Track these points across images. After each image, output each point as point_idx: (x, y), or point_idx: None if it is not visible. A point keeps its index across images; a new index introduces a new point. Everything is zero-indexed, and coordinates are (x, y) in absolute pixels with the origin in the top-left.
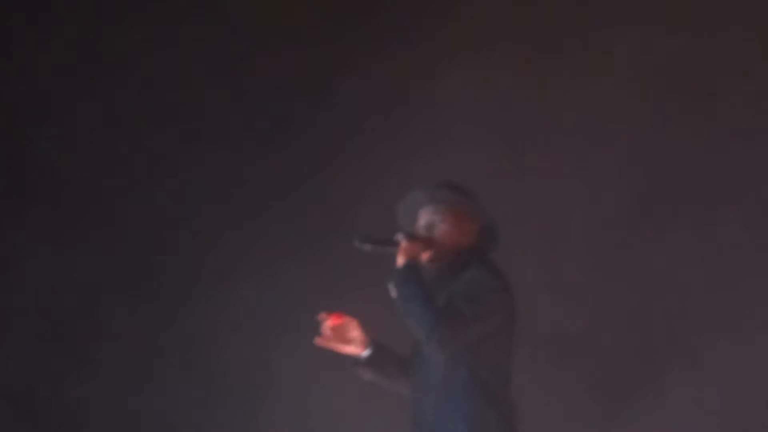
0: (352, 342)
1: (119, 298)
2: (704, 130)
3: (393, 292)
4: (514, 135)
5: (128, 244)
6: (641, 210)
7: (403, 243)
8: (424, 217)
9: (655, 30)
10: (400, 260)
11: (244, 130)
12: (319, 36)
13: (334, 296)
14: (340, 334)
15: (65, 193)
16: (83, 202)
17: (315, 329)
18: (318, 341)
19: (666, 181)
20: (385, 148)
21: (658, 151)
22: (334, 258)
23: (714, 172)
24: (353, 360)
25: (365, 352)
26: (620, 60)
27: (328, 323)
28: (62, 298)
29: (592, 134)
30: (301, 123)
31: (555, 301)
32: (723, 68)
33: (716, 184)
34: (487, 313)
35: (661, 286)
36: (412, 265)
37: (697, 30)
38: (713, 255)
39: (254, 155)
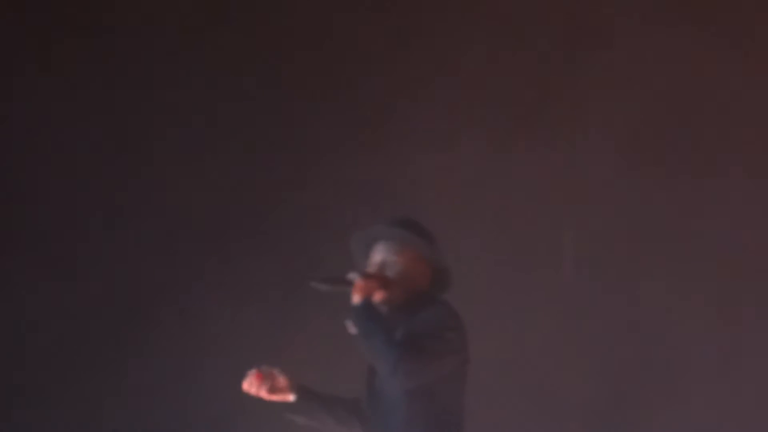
0: (279, 391)
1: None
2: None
3: (351, 329)
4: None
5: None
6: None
7: (358, 281)
8: (379, 255)
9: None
10: (356, 298)
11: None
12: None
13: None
14: (268, 385)
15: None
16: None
17: None
18: (245, 390)
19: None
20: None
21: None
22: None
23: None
24: (284, 406)
25: (291, 398)
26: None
27: (253, 378)
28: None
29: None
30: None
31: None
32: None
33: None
34: (447, 352)
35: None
36: (369, 302)
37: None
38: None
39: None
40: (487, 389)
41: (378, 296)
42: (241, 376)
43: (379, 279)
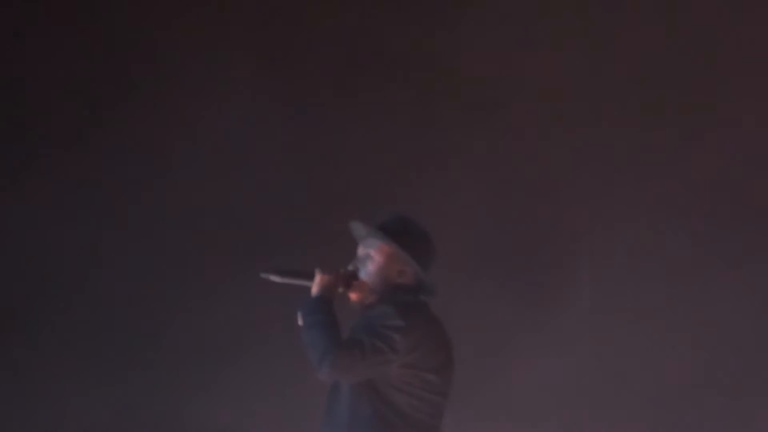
0: None
1: None
2: None
3: (299, 320)
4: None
5: None
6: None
7: (318, 276)
8: (362, 250)
9: None
10: (314, 291)
11: None
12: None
13: None
14: None
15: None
16: None
17: None
18: None
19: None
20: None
21: None
22: None
23: None
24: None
25: None
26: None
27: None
28: None
29: None
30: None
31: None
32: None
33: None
34: (387, 350)
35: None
36: (323, 297)
37: None
38: None
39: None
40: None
41: (353, 296)
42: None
43: (345, 275)
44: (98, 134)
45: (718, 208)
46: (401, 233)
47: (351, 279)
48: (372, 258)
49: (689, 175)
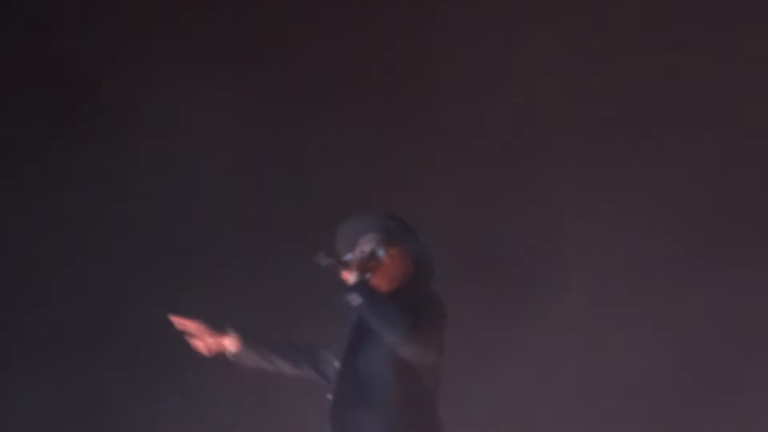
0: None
1: None
2: None
3: (355, 300)
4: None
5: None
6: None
7: (353, 261)
8: (368, 245)
9: None
10: (353, 276)
11: None
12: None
13: None
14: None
15: None
16: None
17: None
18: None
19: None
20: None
21: None
22: None
23: None
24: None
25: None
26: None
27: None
28: None
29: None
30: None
31: None
32: None
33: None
34: (441, 333)
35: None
36: (367, 280)
37: None
38: None
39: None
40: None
41: (376, 281)
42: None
43: (373, 263)
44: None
45: (710, 207)
46: (410, 231)
47: (374, 268)
48: (384, 253)
49: (681, 174)
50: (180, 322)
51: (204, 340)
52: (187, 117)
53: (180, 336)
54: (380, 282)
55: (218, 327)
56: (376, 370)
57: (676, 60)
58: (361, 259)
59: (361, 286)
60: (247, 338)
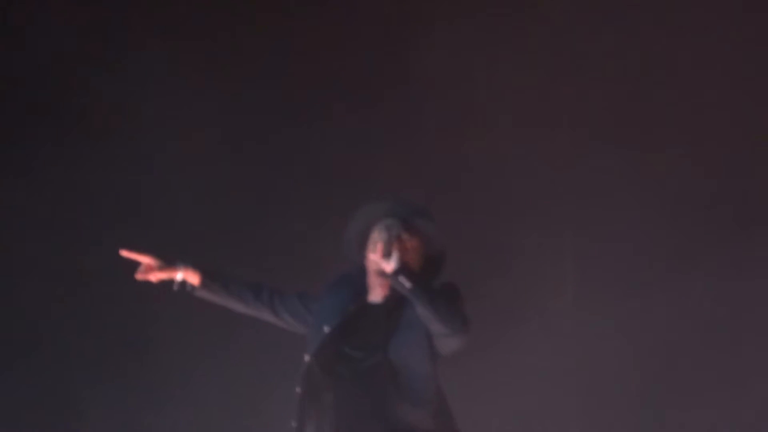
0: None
1: None
2: None
3: (407, 285)
4: None
5: None
6: None
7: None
8: (385, 233)
9: None
10: (393, 264)
11: None
12: None
13: None
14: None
15: None
16: None
17: None
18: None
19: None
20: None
21: None
22: None
23: None
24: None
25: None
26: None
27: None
28: None
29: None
30: None
31: None
32: None
33: None
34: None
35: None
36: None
37: None
38: None
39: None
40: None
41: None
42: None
43: (400, 247)
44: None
45: (700, 204)
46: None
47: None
48: (408, 240)
49: (668, 173)
50: (132, 256)
51: (155, 275)
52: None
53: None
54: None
55: (170, 262)
56: (414, 361)
57: (655, 72)
58: (389, 244)
59: (410, 271)
60: (205, 270)
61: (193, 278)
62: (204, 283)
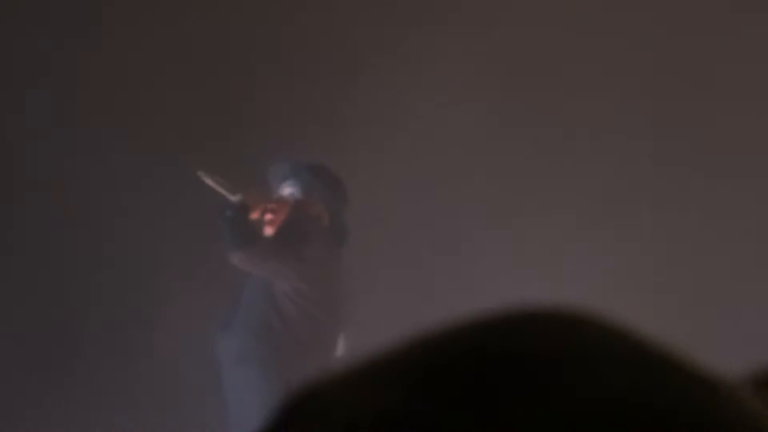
0: None
1: None
2: None
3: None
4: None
5: None
6: None
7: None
8: (287, 190)
9: None
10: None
11: None
12: None
13: None
14: None
15: None
16: None
17: None
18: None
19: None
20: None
21: None
22: None
23: None
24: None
25: None
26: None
27: None
28: None
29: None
30: None
31: None
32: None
33: None
34: None
35: None
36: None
37: None
38: None
39: None
40: None
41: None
42: None
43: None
44: None
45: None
46: (328, 186)
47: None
48: (297, 196)
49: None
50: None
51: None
52: None
53: None
54: (271, 224)
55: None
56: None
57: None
58: (267, 200)
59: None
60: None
61: None
62: None
